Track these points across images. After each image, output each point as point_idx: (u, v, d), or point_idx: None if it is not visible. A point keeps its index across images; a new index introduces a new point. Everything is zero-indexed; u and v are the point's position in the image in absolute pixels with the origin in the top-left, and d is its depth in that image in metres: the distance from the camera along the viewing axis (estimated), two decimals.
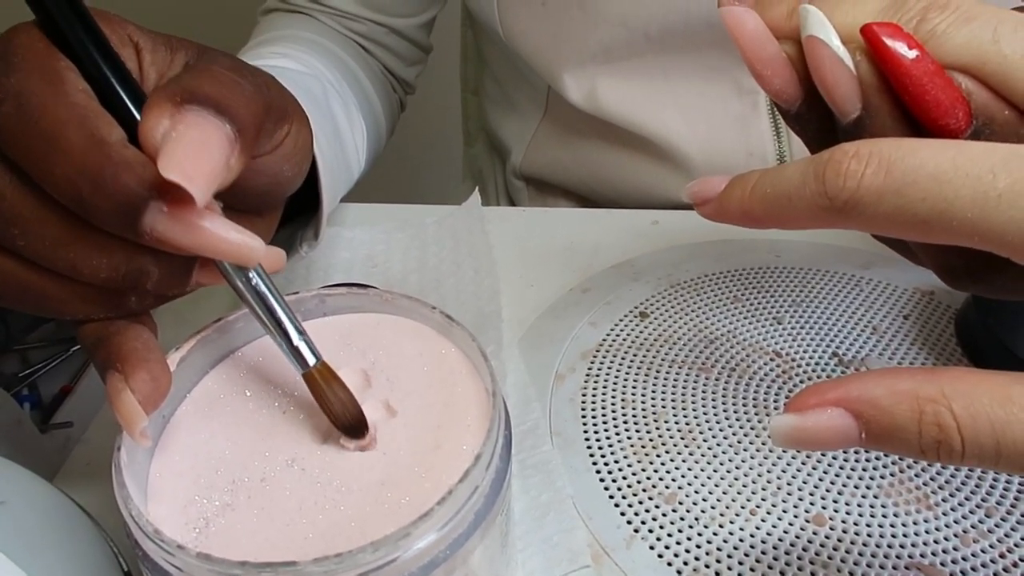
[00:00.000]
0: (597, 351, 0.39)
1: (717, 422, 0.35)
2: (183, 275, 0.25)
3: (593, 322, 0.41)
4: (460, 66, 0.78)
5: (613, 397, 0.36)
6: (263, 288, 0.25)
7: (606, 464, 0.33)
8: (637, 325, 0.41)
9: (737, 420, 0.35)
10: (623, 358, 0.39)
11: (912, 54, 0.20)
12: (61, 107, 0.22)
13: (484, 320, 0.40)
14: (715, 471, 0.33)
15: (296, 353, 0.25)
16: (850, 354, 0.38)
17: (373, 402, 0.26)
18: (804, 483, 0.32)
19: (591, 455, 0.34)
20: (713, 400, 0.36)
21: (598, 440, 0.35)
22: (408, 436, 0.25)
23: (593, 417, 0.36)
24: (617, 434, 0.35)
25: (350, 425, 0.25)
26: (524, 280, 0.45)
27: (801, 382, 0.37)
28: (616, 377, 0.37)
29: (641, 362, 0.38)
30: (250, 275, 0.25)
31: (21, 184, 0.22)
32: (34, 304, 0.24)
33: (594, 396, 0.37)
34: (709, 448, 0.34)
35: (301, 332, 0.25)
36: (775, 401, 0.36)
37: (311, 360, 0.25)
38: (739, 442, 0.34)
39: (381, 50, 0.60)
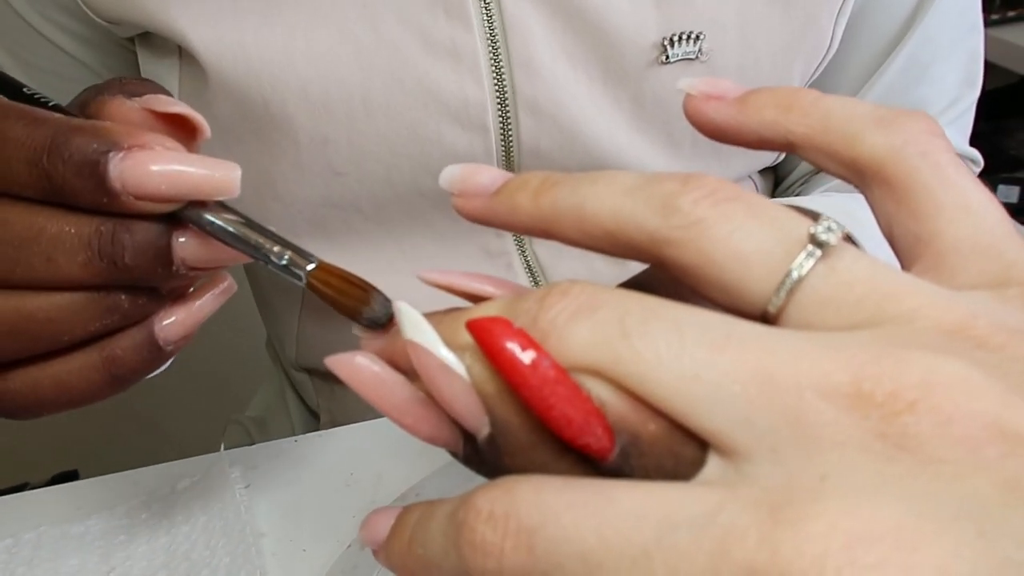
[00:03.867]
0: None
1: None
2: (159, 240, 0.23)
3: None
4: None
5: None
6: (235, 215, 0.24)
7: None
8: None
9: None
10: None
11: (527, 356, 0.16)
12: None
13: None
14: None
15: (291, 267, 0.23)
16: None
17: None
18: None
19: None
20: None
21: None
22: None
23: None
24: None
25: (371, 315, 0.22)
26: (295, 544, 0.38)
27: None
28: None
29: None
30: (218, 210, 0.24)
31: None
32: (26, 337, 0.24)
33: None
34: None
35: (286, 243, 0.24)
36: None
37: (308, 267, 0.23)
38: None
39: None
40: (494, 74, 0.41)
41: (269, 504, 0.41)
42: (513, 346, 0.16)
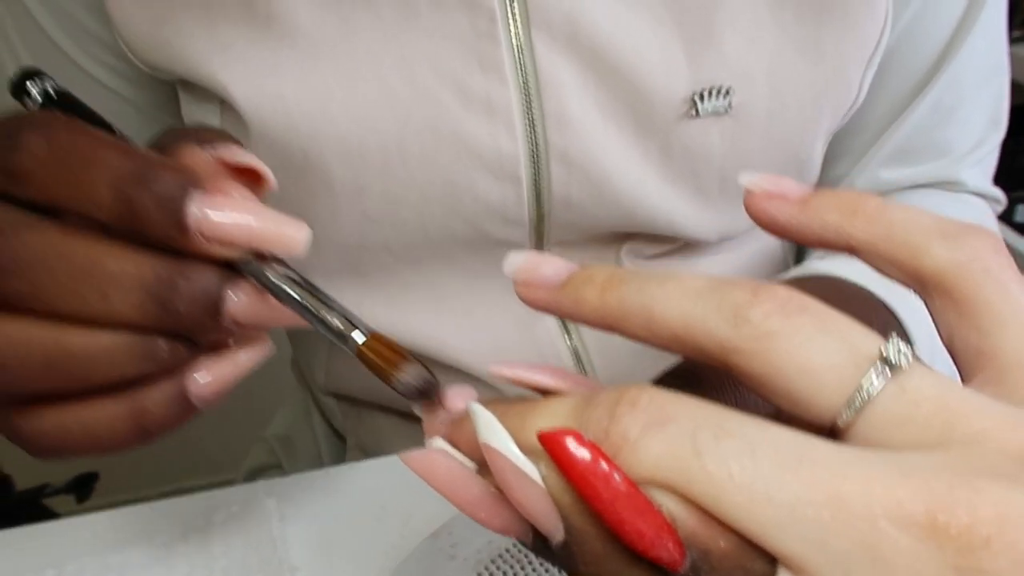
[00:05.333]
0: None
1: None
2: (213, 290, 0.24)
3: None
4: None
5: None
6: (295, 275, 0.24)
7: None
8: None
9: None
10: None
11: (600, 471, 0.16)
12: (89, 135, 0.23)
13: None
14: None
15: (344, 333, 0.24)
16: None
17: None
18: None
19: None
20: None
21: None
22: None
23: None
24: None
25: (416, 389, 0.24)
26: None
27: None
28: None
29: None
30: (279, 268, 0.24)
31: (38, 224, 0.23)
32: (59, 373, 0.23)
33: None
34: None
35: (341, 309, 0.24)
36: None
37: (360, 338, 0.24)
38: None
39: None
40: (527, 127, 0.42)
41: (303, 537, 0.42)
42: (585, 461, 0.16)
